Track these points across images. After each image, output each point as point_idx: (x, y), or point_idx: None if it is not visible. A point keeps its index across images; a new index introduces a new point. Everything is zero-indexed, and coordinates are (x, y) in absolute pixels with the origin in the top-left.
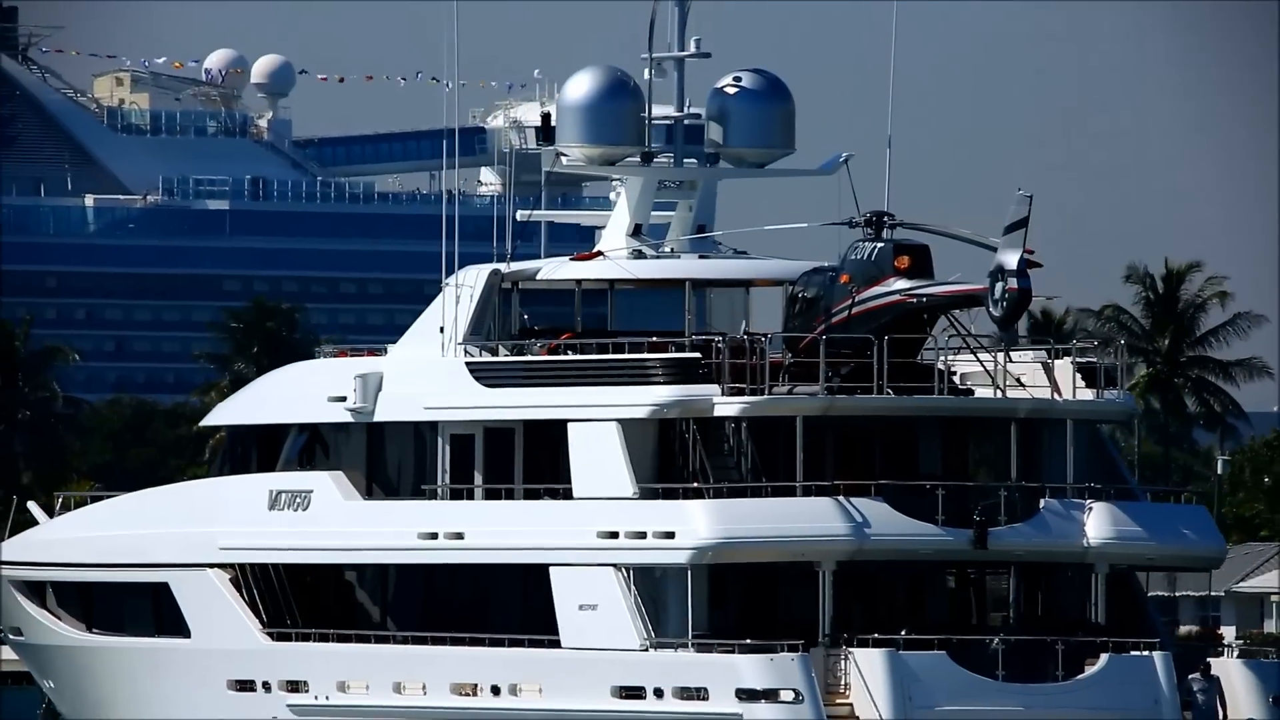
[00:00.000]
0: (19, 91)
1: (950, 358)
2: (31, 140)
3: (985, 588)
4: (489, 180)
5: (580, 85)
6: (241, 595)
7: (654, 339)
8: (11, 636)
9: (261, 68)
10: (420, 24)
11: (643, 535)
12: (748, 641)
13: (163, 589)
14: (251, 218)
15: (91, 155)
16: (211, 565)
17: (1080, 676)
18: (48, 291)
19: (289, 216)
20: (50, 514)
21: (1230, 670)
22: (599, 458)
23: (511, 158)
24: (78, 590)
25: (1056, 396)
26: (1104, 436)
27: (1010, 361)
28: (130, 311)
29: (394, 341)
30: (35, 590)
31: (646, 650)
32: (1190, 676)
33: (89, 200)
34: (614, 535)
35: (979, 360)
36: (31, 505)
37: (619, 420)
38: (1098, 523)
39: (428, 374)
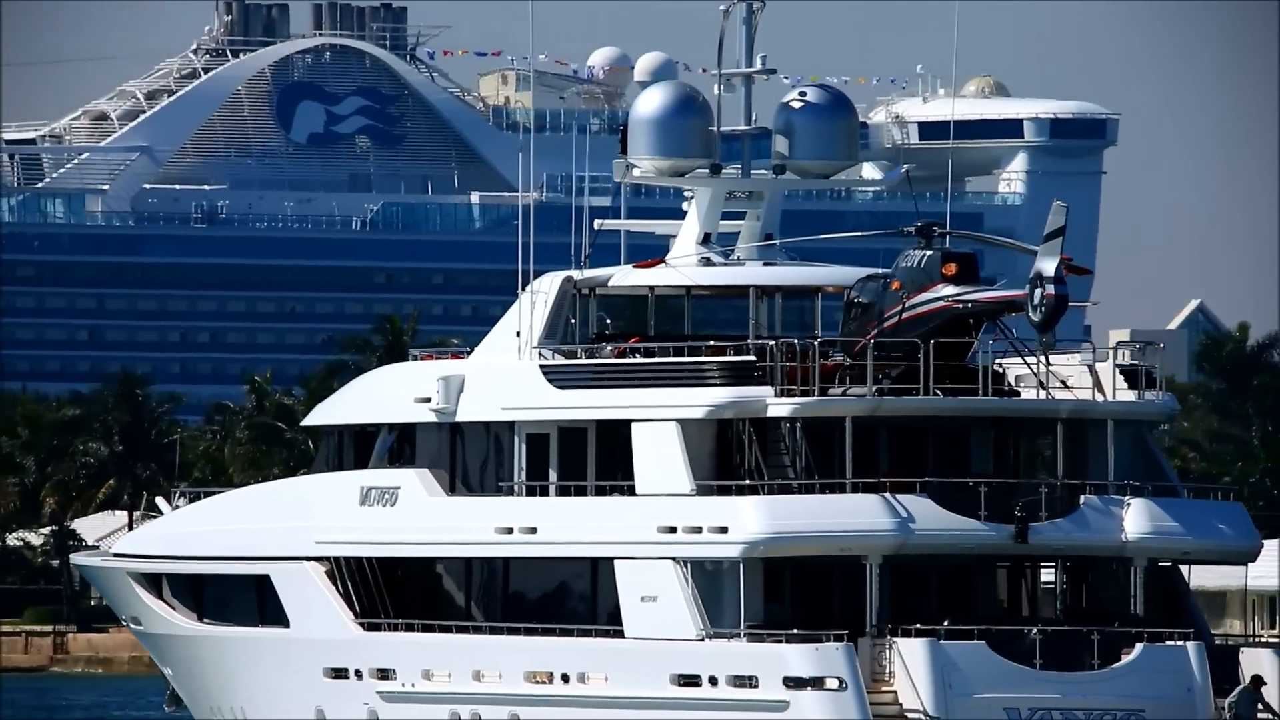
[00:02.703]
0: (407, 91)
1: (1003, 360)
2: (419, 139)
3: (1032, 581)
4: (872, 175)
5: (651, 100)
6: (336, 587)
7: (711, 343)
8: (132, 626)
9: (644, 65)
10: (801, 21)
11: (699, 530)
12: (795, 632)
13: (265, 581)
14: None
15: (477, 153)
16: (308, 558)
17: (1115, 666)
18: (434, 288)
19: (672, 212)
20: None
21: (1262, 662)
22: (659, 456)
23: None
24: (189, 582)
25: (1099, 397)
26: (1148, 436)
27: (1048, 364)
28: None
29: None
30: (152, 582)
31: (702, 640)
32: (1240, 689)
33: (474, 198)
34: (672, 530)
35: (1025, 362)
36: (159, 499)
37: (678, 420)
38: (1136, 518)
39: (505, 376)
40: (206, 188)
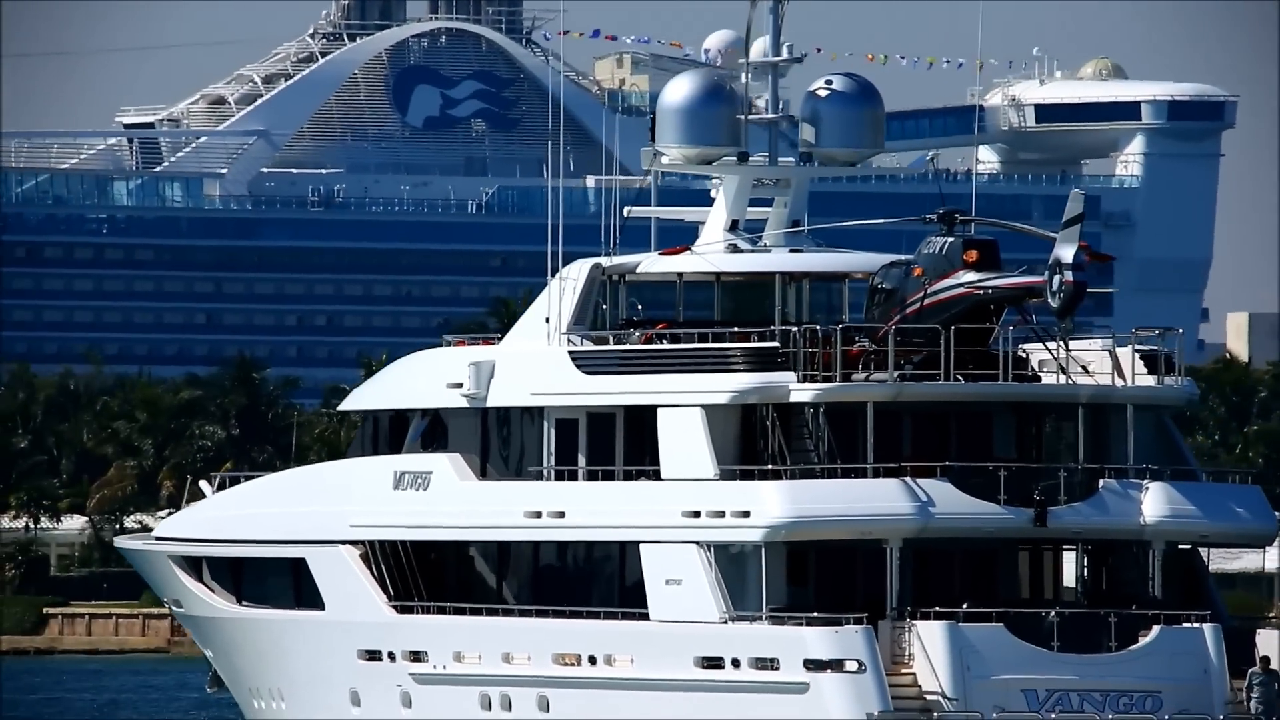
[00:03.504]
0: (522, 74)
1: (1025, 346)
2: (534, 123)
3: (1054, 565)
4: (987, 159)
5: (679, 89)
6: (370, 570)
7: (735, 329)
8: (174, 608)
9: (760, 47)
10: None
11: (722, 515)
12: (815, 615)
13: (301, 564)
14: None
15: (592, 137)
16: (343, 542)
17: (1133, 648)
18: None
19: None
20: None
21: (1277, 642)
22: (684, 441)
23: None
24: (228, 565)
25: (1118, 382)
26: (1168, 421)
27: (1069, 350)
28: None
29: None
30: (192, 565)
31: (725, 623)
32: (1250, 671)
33: (590, 181)
34: (696, 514)
35: (1046, 348)
36: (203, 483)
37: (703, 406)
38: (1154, 502)
39: (534, 362)
40: (323, 171)
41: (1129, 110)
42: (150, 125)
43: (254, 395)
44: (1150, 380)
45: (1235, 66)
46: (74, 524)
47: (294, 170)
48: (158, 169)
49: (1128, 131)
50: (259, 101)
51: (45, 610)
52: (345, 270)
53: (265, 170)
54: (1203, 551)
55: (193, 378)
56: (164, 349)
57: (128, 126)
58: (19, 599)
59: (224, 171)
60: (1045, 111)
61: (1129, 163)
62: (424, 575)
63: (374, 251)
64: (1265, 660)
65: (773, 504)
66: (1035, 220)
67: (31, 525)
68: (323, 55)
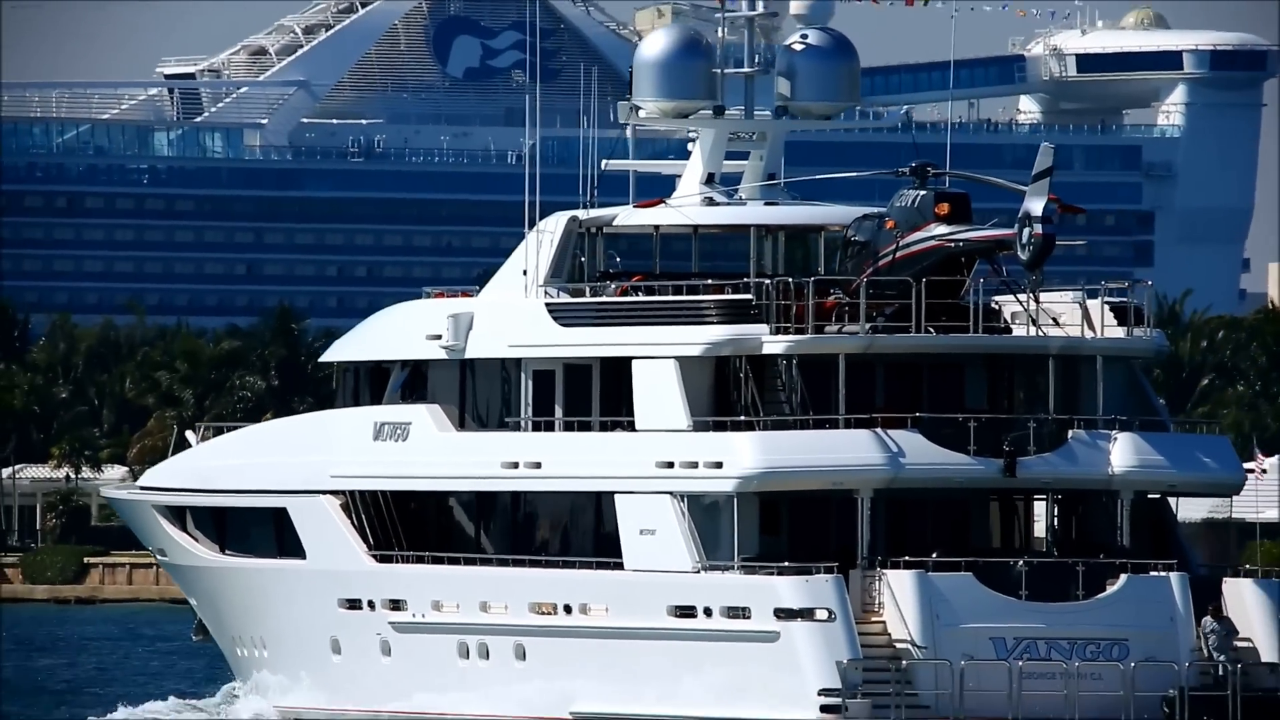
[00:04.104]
0: (563, 25)
1: (998, 299)
2: (574, 73)
3: (1025, 515)
4: (1028, 109)
5: (655, 43)
6: (350, 520)
7: (709, 282)
8: (159, 557)
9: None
10: None
11: (695, 465)
12: (786, 564)
13: (283, 514)
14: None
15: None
16: (324, 492)
17: (1099, 596)
18: None
19: (828, 147)
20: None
21: (1243, 591)
22: (658, 392)
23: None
24: (212, 515)
25: (1088, 334)
26: (1139, 372)
27: (1038, 302)
28: None
29: None
30: (176, 514)
31: (698, 573)
32: (1204, 619)
33: (629, 132)
34: (670, 465)
35: (1017, 300)
36: (189, 433)
37: (676, 357)
38: (1122, 452)
39: (511, 314)
40: (363, 122)
41: (1171, 60)
42: (191, 76)
43: (294, 346)
44: (1120, 332)
45: (1278, 16)
46: (115, 474)
47: (334, 121)
48: (198, 119)
49: (1169, 81)
50: (300, 52)
51: (86, 560)
52: (385, 221)
53: (306, 121)
54: (1172, 501)
55: (233, 328)
56: (205, 300)
57: (168, 77)
58: (61, 548)
59: (264, 122)
60: (1087, 61)
61: (1170, 113)
62: (404, 525)
63: (414, 202)
64: (1216, 608)
65: (745, 455)
66: (1078, 171)
67: (73, 475)
68: (363, 6)
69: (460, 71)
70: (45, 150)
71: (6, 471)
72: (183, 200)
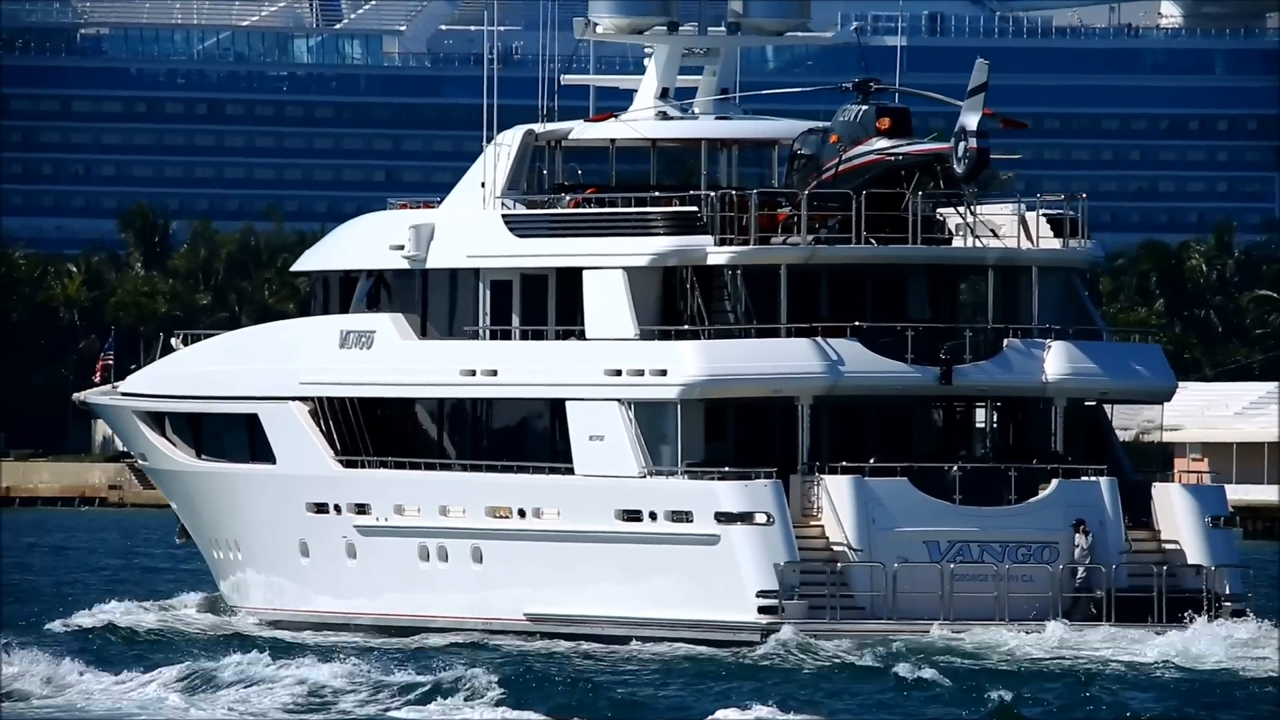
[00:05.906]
0: None
1: (942, 210)
2: None
3: (965, 422)
4: (1169, 13)
5: None
6: (319, 426)
7: (658, 194)
8: (140, 462)
9: None
10: None
11: (641, 373)
12: (727, 470)
13: (254, 420)
14: (929, 54)
15: None
16: (293, 398)
17: (1031, 500)
18: None
19: (967, 52)
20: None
21: (1171, 495)
22: (607, 302)
23: None
24: (188, 420)
25: (1025, 244)
26: (1076, 282)
27: (975, 214)
28: None
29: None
30: (156, 420)
31: (644, 478)
32: (1086, 539)
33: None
34: (618, 373)
35: (957, 211)
36: (174, 340)
37: (624, 268)
38: (1056, 360)
39: (470, 225)
40: (501, 28)
41: None
42: None
43: None
44: (1056, 243)
45: None
46: None
47: (472, 28)
48: (337, 26)
49: None
50: None
51: None
52: None
53: (444, 28)
54: (1107, 408)
55: None
56: (343, 206)
57: None
58: None
59: (403, 29)
60: None
61: None
62: (370, 431)
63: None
64: (1080, 522)
65: (688, 363)
66: (1219, 75)
67: None
68: None
69: None
70: (186, 57)
71: None
72: (322, 107)
